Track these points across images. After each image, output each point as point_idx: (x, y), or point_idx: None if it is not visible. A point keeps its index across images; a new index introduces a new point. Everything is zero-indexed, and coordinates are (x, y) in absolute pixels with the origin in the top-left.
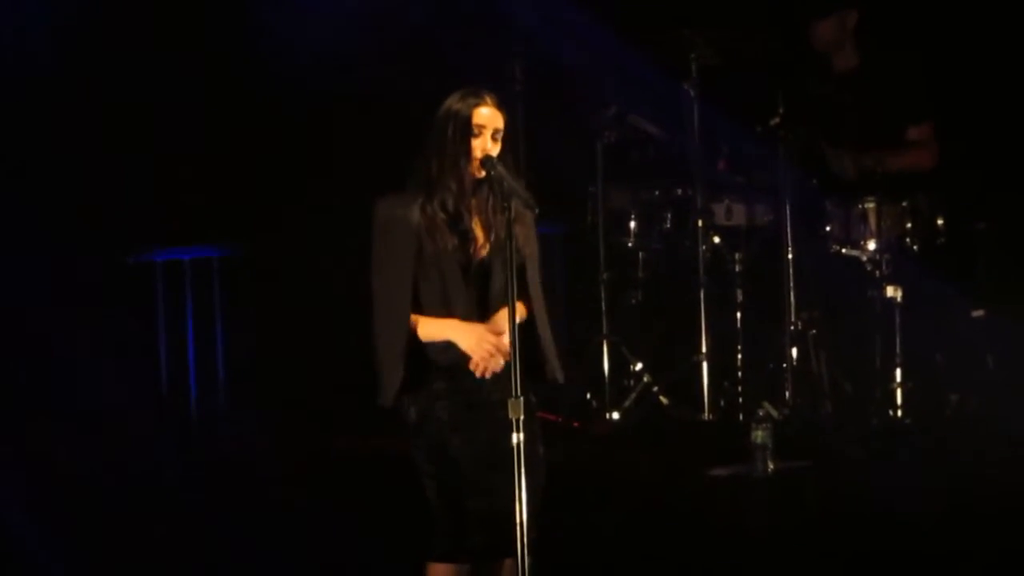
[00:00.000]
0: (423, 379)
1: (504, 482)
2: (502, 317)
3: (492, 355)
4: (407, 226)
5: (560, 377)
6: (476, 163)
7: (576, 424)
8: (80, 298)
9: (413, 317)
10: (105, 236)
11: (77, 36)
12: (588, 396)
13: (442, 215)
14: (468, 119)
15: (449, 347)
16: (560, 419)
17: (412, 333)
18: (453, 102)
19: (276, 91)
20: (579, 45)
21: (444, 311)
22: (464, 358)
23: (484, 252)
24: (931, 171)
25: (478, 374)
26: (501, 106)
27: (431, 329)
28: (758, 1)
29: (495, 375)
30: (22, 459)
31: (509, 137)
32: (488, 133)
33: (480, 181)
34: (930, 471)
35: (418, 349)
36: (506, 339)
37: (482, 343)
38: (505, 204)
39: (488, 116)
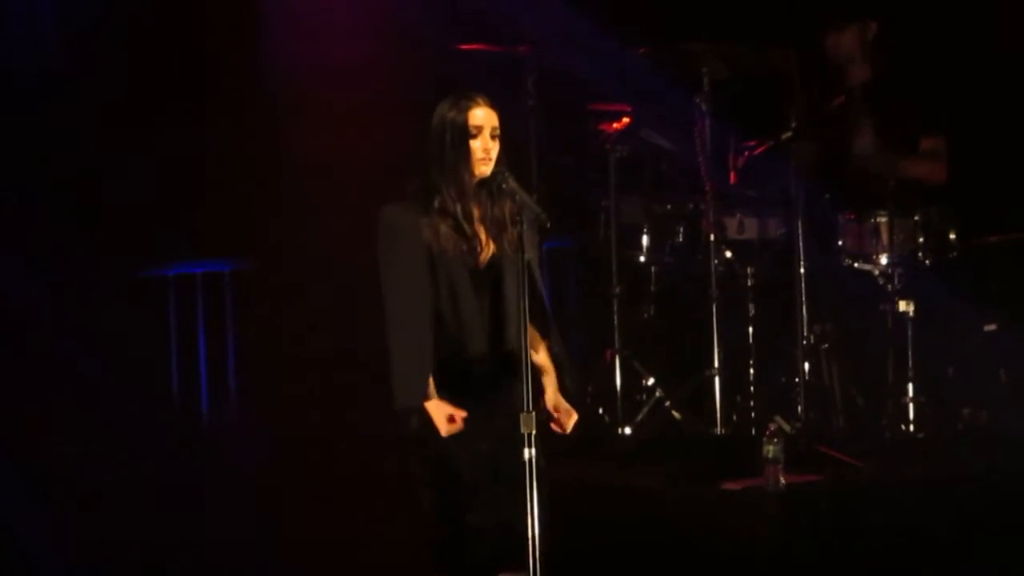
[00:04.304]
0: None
1: (505, 495)
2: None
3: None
4: (414, 232)
5: (572, 387)
6: (476, 165)
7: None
8: (93, 311)
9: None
10: (118, 250)
11: (88, 44)
12: (600, 411)
13: (445, 221)
14: (464, 123)
15: (454, 357)
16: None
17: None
18: (445, 109)
19: (285, 103)
20: (591, 59)
21: (454, 315)
22: (469, 369)
23: (489, 255)
24: (940, 186)
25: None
26: (494, 105)
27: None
28: (770, 14)
29: (500, 387)
30: (32, 471)
31: (514, 147)
32: (486, 132)
33: (481, 183)
34: (941, 486)
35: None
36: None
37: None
38: (517, 217)
39: (483, 116)
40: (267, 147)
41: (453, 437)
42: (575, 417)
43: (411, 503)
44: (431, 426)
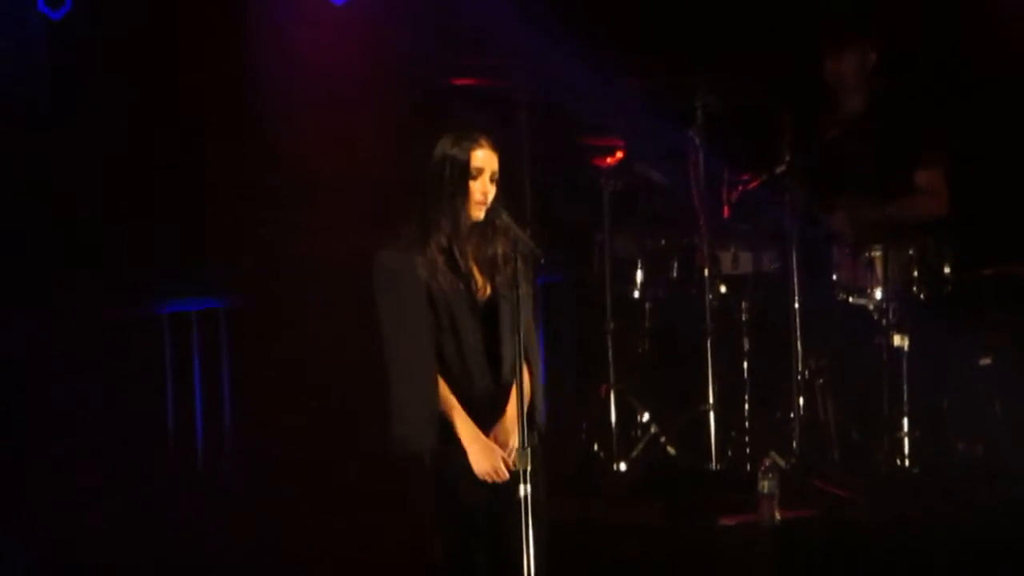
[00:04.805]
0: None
1: (512, 531)
2: (505, 431)
3: (496, 471)
4: (412, 274)
5: (541, 424)
6: (472, 207)
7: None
8: (89, 350)
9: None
10: (113, 288)
11: (78, 86)
12: (595, 446)
13: (441, 258)
14: (466, 163)
15: (460, 393)
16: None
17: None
18: (447, 146)
19: (276, 141)
20: (585, 93)
21: (458, 352)
22: (475, 403)
23: (486, 294)
24: (941, 218)
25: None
26: (496, 148)
27: (456, 420)
28: (764, 47)
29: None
30: (28, 508)
31: (509, 182)
32: (486, 176)
33: (476, 224)
34: (937, 520)
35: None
36: (512, 443)
37: (487, 463)
38: (511, 253)
39: (485, 158)
40: (262, 185)
41: (461, 472)
42: (509, 458)
43: (413, 521)
44: (441, 462)
